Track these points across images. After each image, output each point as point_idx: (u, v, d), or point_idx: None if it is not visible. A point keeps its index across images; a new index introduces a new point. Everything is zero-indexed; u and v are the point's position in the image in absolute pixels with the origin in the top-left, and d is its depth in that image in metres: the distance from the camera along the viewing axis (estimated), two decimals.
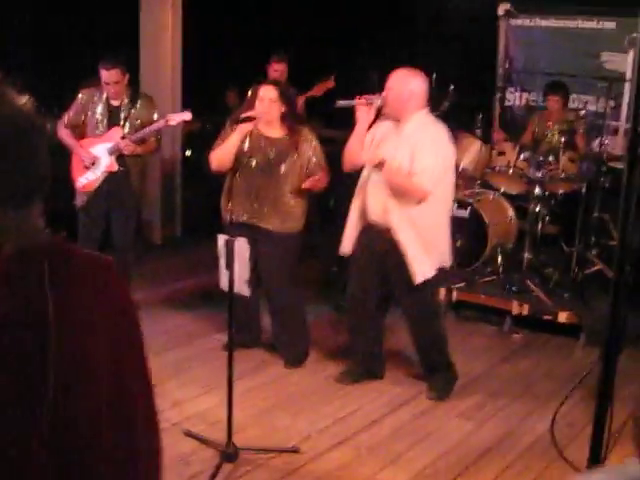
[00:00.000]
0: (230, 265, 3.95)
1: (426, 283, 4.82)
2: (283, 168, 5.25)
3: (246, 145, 5.28)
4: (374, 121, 4.90)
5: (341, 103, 4.82)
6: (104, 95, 5.98)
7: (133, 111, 6.03)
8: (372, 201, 4.86)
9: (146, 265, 7.62)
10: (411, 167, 4.63)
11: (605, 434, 2.62)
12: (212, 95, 10.19)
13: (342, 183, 5.48)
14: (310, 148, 5.28)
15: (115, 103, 6.02)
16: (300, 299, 5.65)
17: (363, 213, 4.96)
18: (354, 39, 9.13)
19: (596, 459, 2.53)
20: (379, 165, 4.68)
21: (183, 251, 8.38)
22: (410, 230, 4.73)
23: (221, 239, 3.97)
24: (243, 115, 5.22)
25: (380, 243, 4.89)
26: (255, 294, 5.53)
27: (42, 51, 10.33)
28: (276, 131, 5.31)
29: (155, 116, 6.12)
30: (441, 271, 4.98)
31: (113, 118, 6.02)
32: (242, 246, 3.93)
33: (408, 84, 4.71)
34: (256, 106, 5.21)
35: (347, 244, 5.09)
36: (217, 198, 9.54)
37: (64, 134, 6.08)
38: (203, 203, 9.75)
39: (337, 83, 6.95)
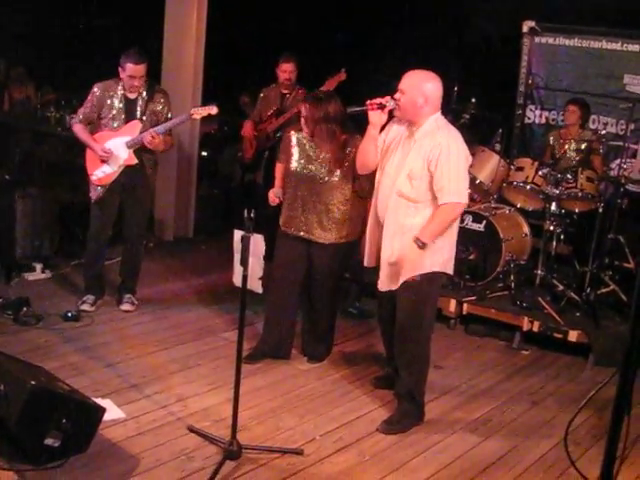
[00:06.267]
0: (245, 261, 3.92)
1: (422, 282, 4.60)
2: (334, 177, 5.21)
3: (296, 154, 5.29)
4: (387, 121, 4.76)
5: (353, 109, 4.69)
6: (120, 88, 5.91)
7: (150, 104, 5.98)
8: (381, 204, 4.73)
9: (157, 262, 7.64)
10: (429, 173, 4.47)
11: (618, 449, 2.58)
12: (230, 98, 10.24)
13: None
14: None
15: (132, 96, 5.95)
16: (338, 303, 5.76)
17: (377, 218, 4.82)
18: (374, 46, 9.15)
19: (609, 474, 2.49)
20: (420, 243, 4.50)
21: (194, 249, 8.41)
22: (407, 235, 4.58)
23: (237, 234, 3.94)
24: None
25: None
26: (295, 311, 5.63)
27: (64, 45, 10.41)
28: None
29: (169, 114, 6.06)
30: (439, 276, 4.74)
31: (130, 112, 5.95)
32: (258, 242, 3.90)
33: (423, 88, 4.50)
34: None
35: (367, 258, 4.96)
36: (230, 199, 9.63)
37: (78, 129, 6.02)
38: (216, 203, 9.82)
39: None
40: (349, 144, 5.20)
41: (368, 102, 4.57)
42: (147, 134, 5.84)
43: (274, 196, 5.36)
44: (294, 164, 5.29)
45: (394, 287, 4.68)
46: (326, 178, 5.21)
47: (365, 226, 5.03)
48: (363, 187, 5.22)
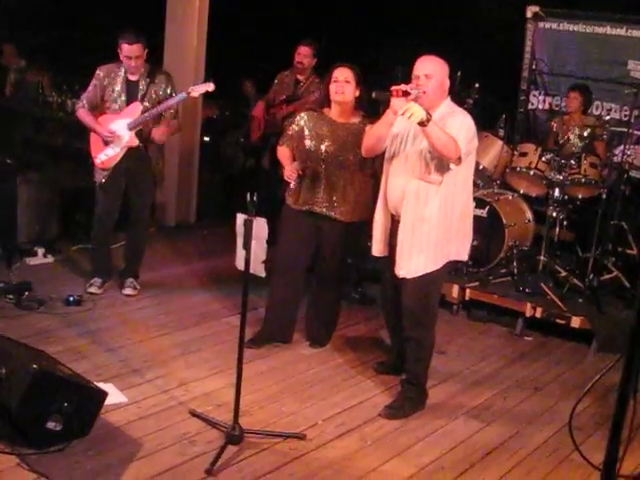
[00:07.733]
0: (247, 245, 3.90)
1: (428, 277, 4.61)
2: (353, 155, 5.17)
3: (308, 134, 5.25)
4: None
5: (379, 93, 4.56)
6: (122, 71, 5.92)
7: (152, 86, 5.96)
8: (393, 193, 4.65)
9: (159, 247, 7.62)
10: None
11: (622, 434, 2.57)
12: (231, 83, 10.24)
13: None
14: None
15: (133, 78, 5.95)
16: (343, 287, 5.77)
17: (387, 208, 4.76)
18: (380, 34, 9.11)
19: (614, 458, 2.48)
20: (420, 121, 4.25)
21: (196, 234, 8.40)
22: (420, 223, 4.53)
23: (240, 218, 3.92)
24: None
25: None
26: (299, 297, 5.61)
27: (65, 29, 10.37)
28: (348, 116, 5.23)
29: (173, 95, 6.02)
30: (447, 266, 4.70)
31: (131, 93, 5.95)
32: (261, 226, 3.88)
33: (445, 71, 4.51)
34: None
35: (377, 246, 4.88)
36: (232, 184, 9.61)
37: (82, 113, 6.02)
38: (218, 189, 9.81)
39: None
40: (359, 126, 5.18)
41: (393, 88, 4.38)
42: (154, 132, 5.87)
43: (293, 169, 5.20)
44: (308, 143, 5.24)
45: (409, 275, 4.60)
46: (340, 157, 5.18)
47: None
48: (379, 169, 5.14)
